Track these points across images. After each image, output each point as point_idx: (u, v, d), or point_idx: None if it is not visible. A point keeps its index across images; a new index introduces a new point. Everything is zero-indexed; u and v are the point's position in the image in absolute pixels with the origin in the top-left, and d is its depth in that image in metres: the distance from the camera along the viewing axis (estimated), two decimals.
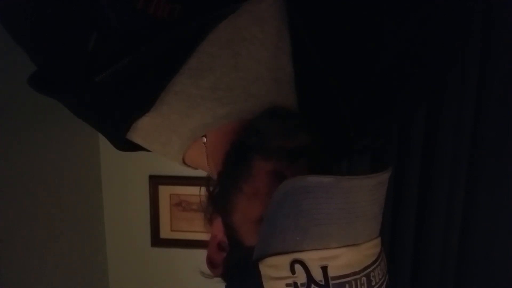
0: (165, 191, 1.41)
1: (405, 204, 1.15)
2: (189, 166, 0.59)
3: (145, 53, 0.46)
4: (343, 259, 0.41)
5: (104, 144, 1.41)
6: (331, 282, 0.41)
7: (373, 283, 0.43)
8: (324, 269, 0.41)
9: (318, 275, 0.41)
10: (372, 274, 0.43)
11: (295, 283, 0.41)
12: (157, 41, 0.46)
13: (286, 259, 0.41)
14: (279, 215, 0.42)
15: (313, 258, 0.41)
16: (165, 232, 1.44)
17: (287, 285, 0.41)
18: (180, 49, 0.48)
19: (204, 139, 0.53)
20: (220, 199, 0.51)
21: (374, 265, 0.43)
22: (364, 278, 0.42)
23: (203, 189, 0.56)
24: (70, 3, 0.45)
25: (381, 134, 0.68)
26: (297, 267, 0.41)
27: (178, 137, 0.53)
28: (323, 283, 0.41)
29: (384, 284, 0.45)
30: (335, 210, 0.41)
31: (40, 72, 0.50)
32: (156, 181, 1.41)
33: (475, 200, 1.12)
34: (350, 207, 0.41)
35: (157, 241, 1.44)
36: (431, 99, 1.05)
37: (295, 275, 0.41)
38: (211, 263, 0.53)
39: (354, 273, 0.42)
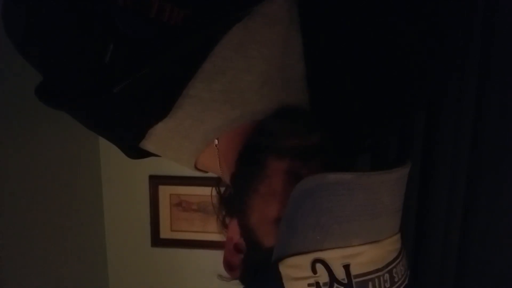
0: (165, 191, 1.41)
1: (405, 204, 1.15)
2: (201, 170, 0.59)
3: (162, 61, 0.46)
4: (365, 257, 0.41)
5: (104, 144, 1.41)
6: (354, 281, 0.40)
7: (396, 279, 0.42)
8: (347, 267, 0.40)
9: (340, 274, 0.40)
10: (394, 270, 0.42)
11: (317, 283, 0.40)
12: (173, 48, 0.46)
13: (307, 259, 0.41)
14: (298, 214, 0.41)
15: (335, 257, 0.40)
16: (165, 232, 1.43)
17: (309, 285, 0.41)
18: (195, 54, 0.48)
19: (216, 141, 0.53)
20: (235, 201, 0.51)
21: (396, 261, 0.43)
22: (387, 275, 0.42)
23: (214, 191, 0.55)
24: (85, 18, 0.44)
25: (391, 131, 0.68)
26: (319, 266, 0.40)
27: (191, 142, 0.53)
28: (345, 281, 0.40)
29: (407, 280, 0.44)
30: (356, 207, 0.40)
31: (50, 85, 0.50)
32: (156, 181, 1.41)
33: (475, 200, 1.12)
34: (372, 204, 0.41)
35: (157, 241, 1.44)
36: (434, 97, 1.05)
37: (317, 275, 0.40)
38: (228, 265, 0.52)
39: (377, 270, 0.41)
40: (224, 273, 0.52)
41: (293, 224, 0.42)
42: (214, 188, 0.56)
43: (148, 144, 0.55)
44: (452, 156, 1.10)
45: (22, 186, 1.03)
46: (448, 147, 1.10)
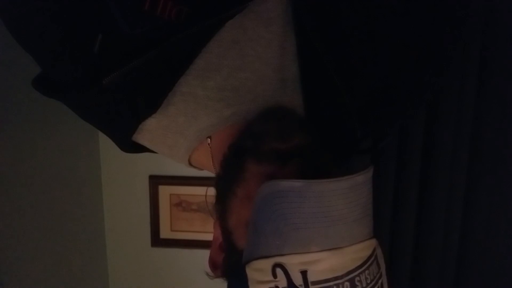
0: (165, 191, 1.41)
1: (405, 204, 1.15)
2: (196, 167, 0.59)
3: (153, 56, 0.46)
4: (324, 264, 0.41)
5: (104, 144, 1.41)
6: (311, 287, 0.40)
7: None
8: (304, 273, 0.41)
9: (298, 280, 0.40)
10: (357, 278, 0.42)
11: (277, 287, 0.41)
12: (164, 43, 0.46)
13: (268, 263, 0.42)
14: (260, 219, 0.43)
15: (293, 263, 0.41)
16: (165, 232, 1.44)
17: None
18: (186, 50, 0.48)
19: (209, 140, 0.53)
20: (217, 202, 0.51)
21: (361, 269, 0.42)
22: (347, 283, 0.41)
23: (209, 190, 0.56)
24: (77, 6, 0.44)
25: (387, 133, 0.67)
26: (279, 271, 0.41)
27: (185, 139, 0.53)
28: (303, 287, 0.41)
29: (376, 287, 0.44)
30: (309, 215, 0.41)
31: (46, 75, 0.50)
32: (156, 181, 1.41)
33: (475, 200, 1.12)
34: (325, 211, 0.41)
35: (157, 241, 1.44)
36: (433, 97, 1.05)
37: (277, 279, 0.41)
38: (213, 264, 0.53)
39: (336, 278, 0.41)
40: (210, 270, 0.54)
41: (256, 228, 0.43)
42: (211, 188, 0.56)
43: (141, 139, 0.55)
44: (452, 157, 1.11)
45: (22, 185, 1.03)
46: (448, 147, 1.10)
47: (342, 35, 0.53)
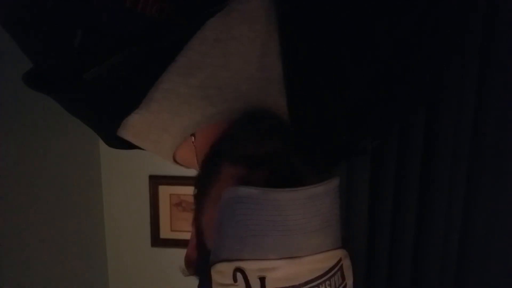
0: (165, 191, 1.41)
1: (405, 204, 1.15)
2: (181, 165, 0.59)
3: (134, 51, 0.46)
4: (281, 272, 0.41)
5: (104, 144, 1.41)
6: None
7: None
8: (262, 280, 0.41)
9: (256, 286, 0.41)
10: None
11: None
12: (145, 39, 0.46)
13: (230, 267, 0.42)
14: (222, 223, 0.43)
15: (252, 268, 0.41)
16: (165, 232, 1.44)
17: None
18: (167, 47, 0.48)
19: (193, 138, 0.53)
20: (194, 201, 0.52)
21: (319, 280, 0.42)
22: None
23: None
24: (62, 2, 0.45)
25: (377, 134, 0.67)
26: (239, 275, 0.41)
27: (169, 135, 0.54)
28: None
29: None
30: (267, 222, 0.41)
31: (35, 70, 0.51)
32: (156, 181, 1.41)
33: (475, 200, 1.12)
34: (282, 220, 0.41)
35: (157, 241, 1.45)
36: (428, 100, 1.05)
37: (236, 283, 0.42)
38: (188, 261, 0.54)
39: (293, 287, 0.41)
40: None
41: (220, 232, 0.44)
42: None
43: (126, 135, 0.55)
44: (452, 157, 1.11)
45: (22, 185, 1.03)
46: (448, 147, 1.10)
47: (327, 36, 0.52)
